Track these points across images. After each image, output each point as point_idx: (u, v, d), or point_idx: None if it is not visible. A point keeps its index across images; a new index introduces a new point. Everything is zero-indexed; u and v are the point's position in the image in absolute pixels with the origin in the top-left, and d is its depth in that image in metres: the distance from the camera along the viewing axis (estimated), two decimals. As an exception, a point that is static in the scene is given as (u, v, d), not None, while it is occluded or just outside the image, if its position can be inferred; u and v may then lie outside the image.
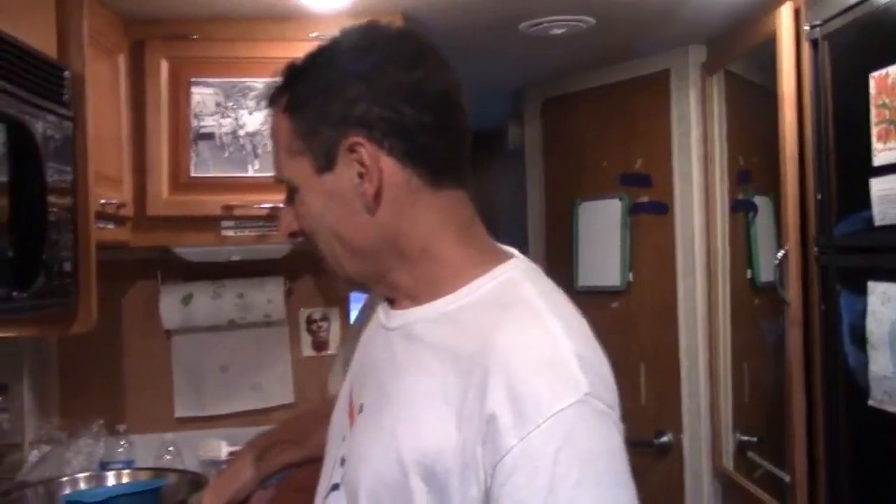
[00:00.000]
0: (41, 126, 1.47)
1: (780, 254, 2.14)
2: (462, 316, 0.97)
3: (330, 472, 1.07)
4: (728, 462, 2.72)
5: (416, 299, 1.03)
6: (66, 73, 1.63)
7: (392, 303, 1.07)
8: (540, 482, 0.85)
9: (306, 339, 2.71)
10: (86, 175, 1.71)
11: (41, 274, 1.45)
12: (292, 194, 1.05)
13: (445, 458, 0.89)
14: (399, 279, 1.03)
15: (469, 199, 1.04)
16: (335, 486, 1.04)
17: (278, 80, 1.05)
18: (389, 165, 0.98)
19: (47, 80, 1.53)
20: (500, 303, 0.97)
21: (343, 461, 1.04)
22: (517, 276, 1.00)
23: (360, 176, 0.98)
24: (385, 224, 0.99)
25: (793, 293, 2.07)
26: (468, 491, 0.89)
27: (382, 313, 1.08)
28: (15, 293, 1.37)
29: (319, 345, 2.71)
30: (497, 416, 0.86)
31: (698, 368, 2.81)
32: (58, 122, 1.56)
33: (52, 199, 1.50)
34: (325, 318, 2.71)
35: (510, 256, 1.05)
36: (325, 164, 0.99)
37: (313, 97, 0.99)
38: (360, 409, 1.03)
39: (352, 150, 0.98)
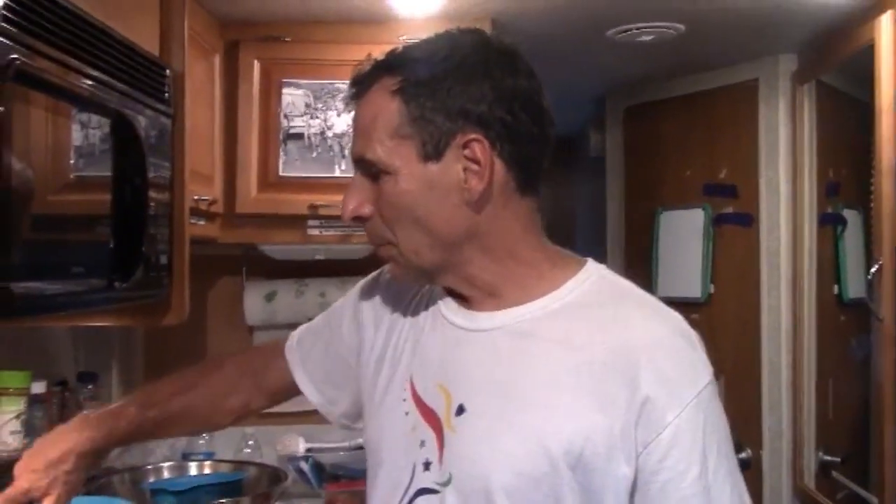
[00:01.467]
0: (143, 121, 1.51)
1: (874, 269, 2.08)
2: (574, 311, 1.03)
3: (408, 478, 1.05)
4: (810, 481, 2.65)
5: (500, 298, 1.05)
6: (168, 72, 1.67)
7: (463, 301, 1.08)
8: (696, 453, 0.96)
9: (384, 340, 2.73)
10: (182, 171, 1.75)
11: (140, 266, 1.49)
12: (375, 176, 1.03)
13: (595, 442, 0.95)
14: (477, 274, 1.05)
15: (539, 208, 1.08)
16: (425, 491, 1.03)
17: (378, 60, 1.04)
18: (497, 166, 1.01)
19: (150, 77, 1.58)
20: (610, 297, 1.05)
21: (428, 465, 1.03)
22: (608, 274, 1.08)
23: (465, 171, 1.00)
24: (479, 221, 1.02)
25: (887, 309, 2.01)
26: (617, 470, 0.96)
27: (455, 315, 1.08)
28: (116, 283, 1.42)
29: (397, 346, 2.72)
30: (652, 398, 0.96)
31: (780, 384, 2.75)
32: (158, 119, 1.60)
33: (151, 193, 1.54)
34: (403, 320, 2.73)
35: (581, 258, 1.10)
36: (433, 153, 1.00)
37: (435, 86, 1.00)
38: (460, 411, 1.02)
39: (466, 145, 0.99)
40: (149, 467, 2.27)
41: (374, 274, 1.27)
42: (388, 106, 1.01)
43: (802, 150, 2.69)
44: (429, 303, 1.13)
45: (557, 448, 0.96)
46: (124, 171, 1.45)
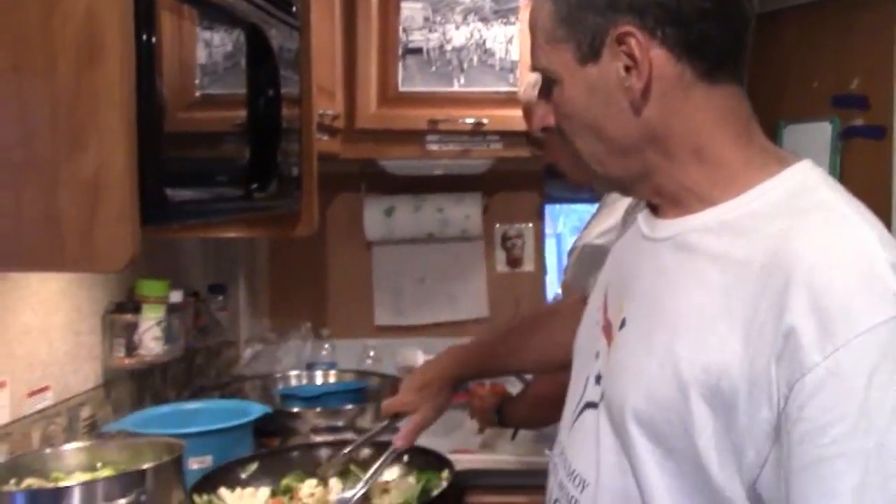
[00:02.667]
0: (276, 34, 1.53)
1: None
2: (748, 223, 0.88)
3: (582, 390, 1.03)
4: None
5: (684, 206, 0.95)
6: (295, -15, 1.68)
7: (655, 210, 1.00)
8: (850, 406, 0.77)
9: (501, 256, 2.75)
10: (310, 85, 1.77)
11: (274, 178, 1.52)
12: (549, 86, 0.98)
13: (732, 375, 0.82)
14: (664, 182, 0.95)
15: (745, 95, 0.94)
16: (590, 405, 1.00)
17: None
18: (660, 57, 0.89)
19: (279, -10, 1.59)
20: (795, 209, 0.87)
21: (599, 379, 0.99)
22: (812, 180, 0.90)
23: (627, 69, 0.90)
24: (652, 122, 0.92)
25: None
26: (757, 412, 0.81)
27: (644, 223, 1.01)
28: (255, 194, 1.45)
29: (513, 261, 2.74)
30: (797, 330, 0.78)
31: (910, 305, 2.65)
32: (288, 32, 1.62)
33: (282, 107, 1.56)
34: (519, 235, 2.73)
35: (797, 159, 0.93)
36: (590, 53, 0.92)
37: None
38: (622, 325, 0.97)
39: (620, 40, 0.90)
40: (277, 375, 2.36)
41: None
42: (544, 9, 0.95)
43: (944, 57, 2.54)
44: (636, 212, 1.06)
45: (689, 375, 0.84)
46: (259, 84, 1.47)
